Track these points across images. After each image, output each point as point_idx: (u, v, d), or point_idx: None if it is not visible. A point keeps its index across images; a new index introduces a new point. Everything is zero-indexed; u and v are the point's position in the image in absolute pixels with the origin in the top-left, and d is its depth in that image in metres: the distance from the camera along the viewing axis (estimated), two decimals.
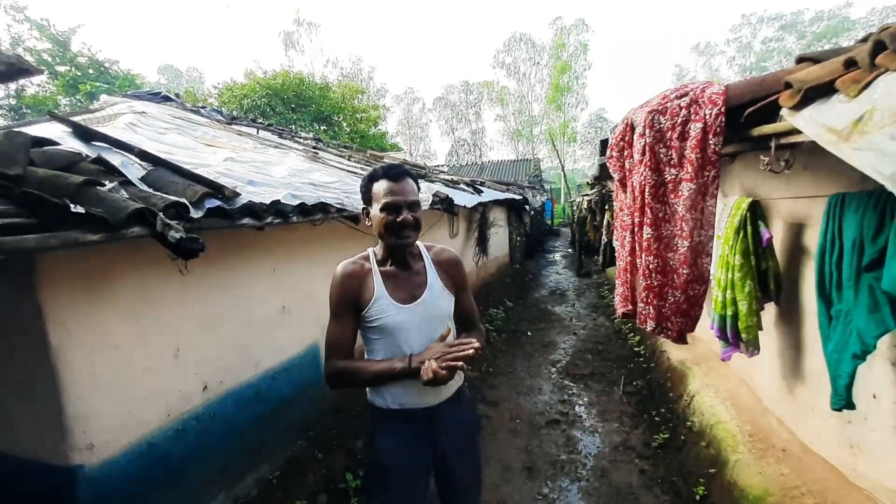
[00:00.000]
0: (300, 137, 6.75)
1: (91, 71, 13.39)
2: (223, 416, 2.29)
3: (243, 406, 2.42)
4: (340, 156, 5.57)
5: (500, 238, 9.09)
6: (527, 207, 10.53)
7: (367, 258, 1.46)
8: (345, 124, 14.99)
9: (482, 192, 6.44)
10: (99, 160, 1.55)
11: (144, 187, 1.62)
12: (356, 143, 12.90)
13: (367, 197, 1.41)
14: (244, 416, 2.42)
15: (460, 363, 1.22)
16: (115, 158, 1.71)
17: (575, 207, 14.46)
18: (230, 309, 2.36)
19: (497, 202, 7.43)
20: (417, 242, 1.53)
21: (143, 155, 1.76)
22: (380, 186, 1.36)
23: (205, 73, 44.45)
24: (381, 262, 1.46)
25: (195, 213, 1.57)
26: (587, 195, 11.15)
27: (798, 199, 2.22)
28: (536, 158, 27.68)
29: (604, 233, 8.99)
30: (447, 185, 5.39)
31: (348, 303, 1.38)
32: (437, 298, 1.46)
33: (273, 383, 2.63)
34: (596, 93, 62.37)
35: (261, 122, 7.21)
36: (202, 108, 6.19)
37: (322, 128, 13.93)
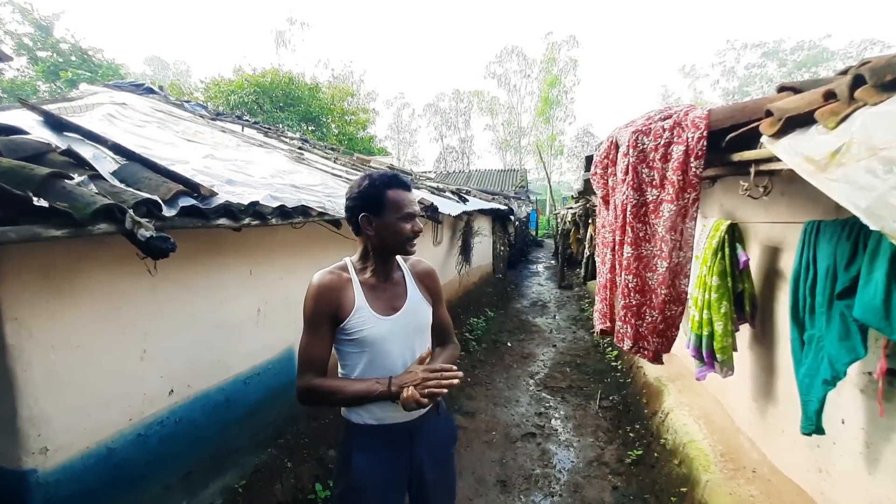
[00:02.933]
0: (286, 137, 6.67)
1: (73, 58, 13.05)
2: (189, 421, 2.21)
3: (211, 411, 2.34)
4: (327, 158, 5.51)
5: (483, 247, 9.10)
6: (511, 218, 10.57)
7: (344, 268, 1.42)
8: (333, 126, 14.90)
9: (467, 200, 6.44)
10: (68, 152, 1.49)
11: (116, 182, 1.56)
12: (344, 145, 12.83)
13: (378, 205, 1.32)
14: (212, 421, 2.34)
15: (443, 390, 1.20)
16: (87, 151, 1.64)
17: (559, 220, 14.62)
18: (203, 310, 2.29)
19: (482, 211, 7.45)
20: None
21: (117, 148, 1.70)
22: (399, 196, 1.32)
23: (192, 66, 43.81)
24: (359, 272, 1.42)
25: (168, 212, 1.51)
26: (572, 208, 11.30)
27: (775, 224, 2.27)
28: (523, 169, 27.89)
29: (586, 246, 9.10)
30: (433, 193, 5.37)
31: (326, 315, 1.33)
32: (417, 309, 1.44)
33: (244, 388, 2.56)
34: (584, 108, 63.53)
35: (247, 120, 7.11)
36: (186, 102, 6.07)
37: (310, 128, 13.82)
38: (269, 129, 6.75)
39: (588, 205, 7.98)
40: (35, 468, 1.62)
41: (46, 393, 1.63)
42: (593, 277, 8.19)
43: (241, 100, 12.60)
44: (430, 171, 24.30)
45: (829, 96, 1.16)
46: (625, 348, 1.69)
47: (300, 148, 5.51)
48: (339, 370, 1.46)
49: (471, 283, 8.00)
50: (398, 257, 1.51)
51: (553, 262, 15.32)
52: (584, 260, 9.52)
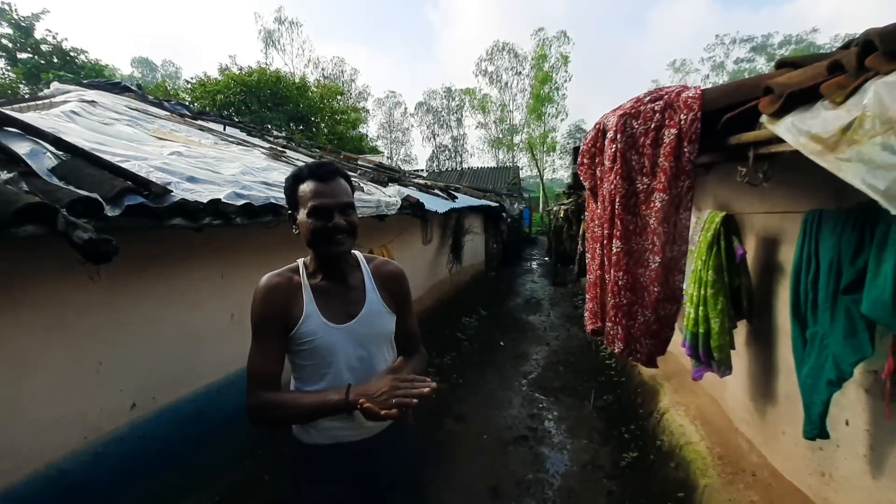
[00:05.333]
0: (271, 136, 6.51)
1: (55, 59, 12.79)
2: (155, 436, 2.06)
3: (180, 425, 2.19)
4: (311, 156, 5.36)
5: (475, 245, 8.98)
6: (504, 215, 10.46)
7: (296, 270, 1.28)
8: (323, 125, 14.69)
9: (456, 198, 6.31)
10: None
11: (54, 180, 1.41)
12: (334, 144, 12.63)
13: (293, 200, 1.23)
14: (181, 435, 2.20)
15: (413, 401, 1.05)
16: (25, 146, 1.50)
17: (552, 216, 14.52)
18: (168, 318, 2.15)
19: (473, 209, 7.32)
20: (356, 252, 1.36)
21: (59, 143, 1.55)
22: (306, 188, 1.19)
23: (182, 68, 43.30)
24: (311, 275, 1.28)
25: (111, 211, 1.37)
26: (564, 204, 11.19)
27: (771, 215, 2.16)
28: (516, 167, 27.84)
29: (579, 242, 8.99)
30: (420, 190, 5.24)
31: (274, 322, 1.20)
32: (376, 317, 1.29)
33: (217, 398, 2.42)
34: (575, 104, 63.30)
35: (231, 119, 6.94)
36: (166, 101, 5.90)
37: (299, 128, 13.60)
38: (253, 128, 6.59)
39: (579, 200, 7.85)
40: None
41: None
42: (586, 274, 8.10)
43: (227, 100, 12.37)
44: (422, 170, 24.15)
45: (834, 69, 1.04)
46: (615, 351, 1.57)
47: (283, 146, 5.36)
48: (292, 384, 1.32)
49: (462, 281, 7.87)
50: (359, 257, 1.36)
51: (547, 258, 15.22)
52: (578, 256, 9.42)
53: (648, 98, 1.41)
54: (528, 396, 4.40)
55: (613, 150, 1.43)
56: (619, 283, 1.48)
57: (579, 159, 1.84)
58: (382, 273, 1.35)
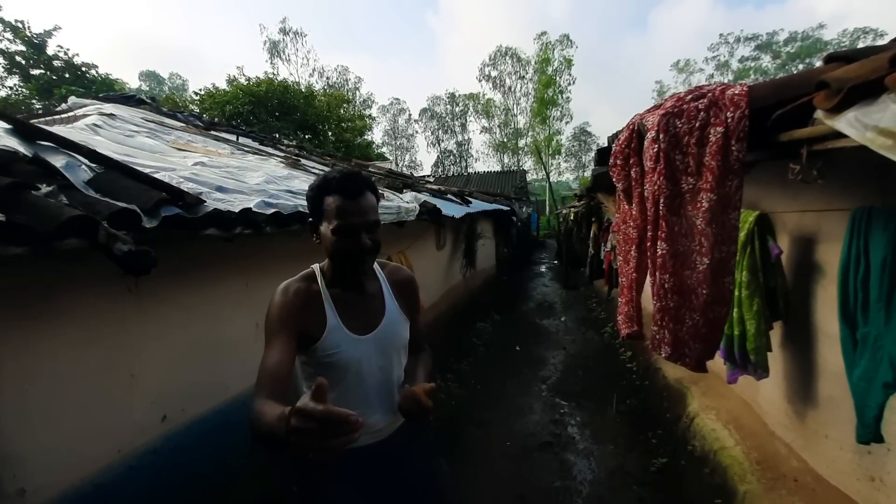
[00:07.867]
0: (283, 145, 6.54)
1: (67, 75, 12.99)
2: (186, 448, 2.05)
3: (210, 436, 2.18)
4: (324, 164, 5.37)
5: (487, 250, 8.95)
6: (514, 219, 10.43)
7: (312, 277, 1.24)
8: (330, 133, 14.77)
9: (471, 202, 6.29)
10: (35, 160, 1.34)
11: (91, 192, 1.41)
12: (341, 152, 12.68)
13: (317, 210, 1.16)
14: (210, 447, 2.18)
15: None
16: (60, 159, 1.49)
17: (561, 219, 14.44)
18: (196, 328, 2.14)
19: (484, 213, 7.30)
20: None
21: (93, 155, 1.55)
22: (332, 202, 1.12)
23: (188, 80, 43.84)
24: (329, 284, 1.24)
25: (148, 223, 1.36)
26: (574, 207, 11.13)
27: (806, 213, 2.11)
28: (522, 170, 27.77)
29: (590, 245, 8.93)
30: (435, 196, 5.22)
31: (292, 327, 1.13)
32: (396, 326, 1.28)
33: (243, 409, 2.39)
34: (580, 107, 63.12)
35: (243, 129, 6.98)
36: (180, 112, 5.95)
37: (307, 136, 13.68)
38: (265, 137, 6.62)
39: (592, 202, 7.80)
40: None
41: (21, 428, 1.47)
42: (598, 276, 8.03)
43: (236, 110, 12.46)
44: (429, 176, 24.20)
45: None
46: (662, 355, 1.53)
47: (297, 154, 5.37)
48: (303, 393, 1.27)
49: (475, 286, 7.84)
50: (374, 265, 1.35)
51: (556, 262, 15.15)
52: (589, 259, 9.35)
53: (690, 96, 1.38)
54: (548, 402, 4.34)
55: (655, 150, 1.40)
56: (665, 286, 1.44)
57: (612, 160, 1.81)
58: (397, 280, 1.36)
